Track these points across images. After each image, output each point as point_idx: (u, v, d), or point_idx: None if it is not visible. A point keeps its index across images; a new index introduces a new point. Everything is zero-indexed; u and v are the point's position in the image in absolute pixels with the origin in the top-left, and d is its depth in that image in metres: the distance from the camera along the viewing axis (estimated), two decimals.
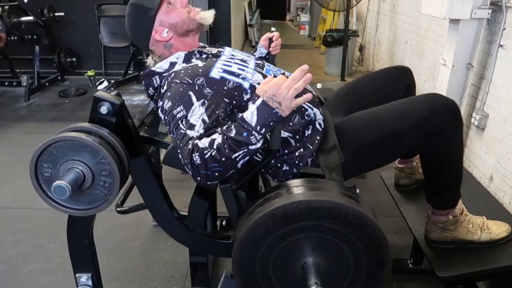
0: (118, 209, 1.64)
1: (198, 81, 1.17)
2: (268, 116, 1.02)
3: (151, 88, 1.30)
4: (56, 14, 4.33)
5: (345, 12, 4.14)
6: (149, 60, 1.40)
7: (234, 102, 1.20)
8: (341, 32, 4.69)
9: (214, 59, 1.29)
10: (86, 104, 3.96)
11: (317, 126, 1.29)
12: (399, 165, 1.76)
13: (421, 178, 1.71)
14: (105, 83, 4.39)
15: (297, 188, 1.05)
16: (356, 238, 0.99)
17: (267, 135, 1.08)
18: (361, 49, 5.35)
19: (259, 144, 1.05)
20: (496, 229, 1.38)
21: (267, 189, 1.10)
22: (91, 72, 4.36)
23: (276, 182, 1.35)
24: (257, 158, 1.23)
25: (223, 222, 1.82)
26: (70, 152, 0.97)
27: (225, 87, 1.19)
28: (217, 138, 1.05)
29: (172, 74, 1.22)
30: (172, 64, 1.28)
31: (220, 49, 1.39)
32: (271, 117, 1.03)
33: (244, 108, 1.20)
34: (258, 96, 1.04)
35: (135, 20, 1.32)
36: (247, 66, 1.28)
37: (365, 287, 1.06)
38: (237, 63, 1.27)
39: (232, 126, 1.05)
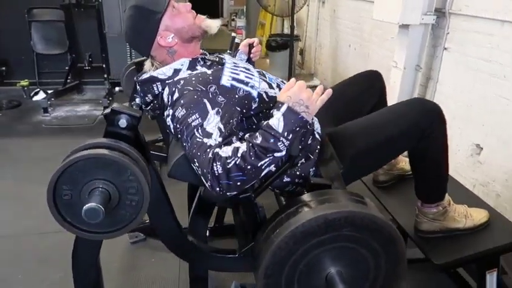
0: None
1: (211, 89, 1.14)
2: (294, 121, 1.04)
3: (149, 95, 1.24)
4: None
5: (291, 16, 4.27)
6: (147, 66, 1.33)
7: (244, 110, 1.20)
8: (284, 37, 4.83)
9: (220, 66, 1.27)
10: (23, 116, 3.62)
11: (316, 135, 1.32)
12: None
13: (399, 173, 1.82)
14: (41, 94, 4.06)
15: (310, 202, 1.07)
16: (373, 240, 1.04)
17: None
18: (301, 53, 5.54)
19: (284, 152, 1.05)
20: (477, 215, 1.51)
21: (279, 208, 1.11)
22: (24, 82, 3.99)
23: (277, 191, 1.36)
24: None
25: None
26: (93, 171, 0.89)
27: (236, 96, 1.18)
28: (241, 146, 1.03)
29: (182, 81, 1.17)
30: (176, 71, 1.23)
31: (220, 56, 1.36)
32: (298, 122, 1.04)
33: (250, 117, 1.21)
34: (282, 103, 1.05)
35: (138, 23, 1.24)
36: (253, 75, 1.28)
37: (387, 284, 1.11)
38: (243, 71, 1.27)
39: (257, 134, 1.04)
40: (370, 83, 1.64)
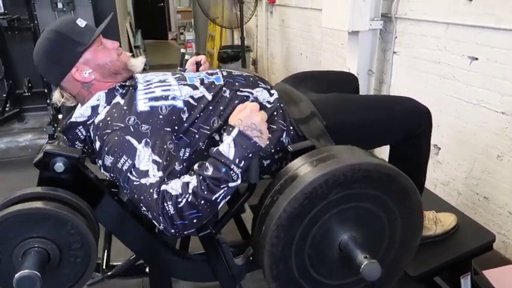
0: (108, 275, 1.31)
1: (129, 122, 1.01)
2: (246, 147, 0.95)
3: (77, 142, 1.11)
4: None
5: (240, 28, 4.23)
6: (56, 97, 1.18)
7: (176, 127, 1.07)
8: (235, 48, 4.78)
9: (132, 90, 1.13)
10: None
11: (266, 104, 1.20)
12: None
13: None
14: None
15: (298, 170, 0.94)
16: (383, 194, 0.92)
17: None
18: (254, 63, 5.51)
19: (239, 181, 0.96)
20: (446, 220, 1.49)
21: (268, 186, 0.98)
22: None
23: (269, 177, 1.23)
24: None
25: None
26: (26, 229, 0.76)
27: (160, 116, 1.05)
28: (191, 180, 0.93)
29: (100, 125, 1.04)
30: (94, 108, 1.09)
31: (134, 80, 1.20)
32: (250, 148, 0.95)
33: (187, 129, 1.10)
34: (232, 127, 0.96)
35: (56, 50, 1.10)
36: (170, 85, 1.15)
37: (404, 239, 1.01)
38: (158, 86, 1.14)
39: (207, 164, 0.94)
40: (348, 80, 1.61)
